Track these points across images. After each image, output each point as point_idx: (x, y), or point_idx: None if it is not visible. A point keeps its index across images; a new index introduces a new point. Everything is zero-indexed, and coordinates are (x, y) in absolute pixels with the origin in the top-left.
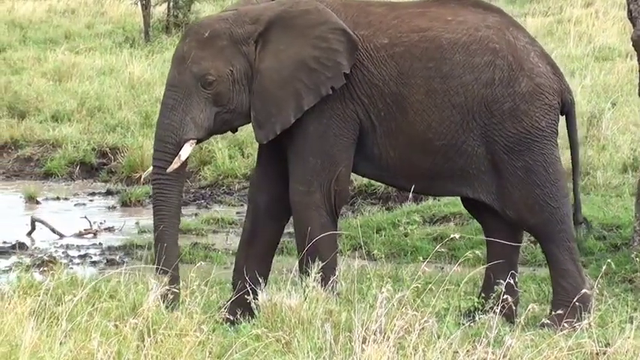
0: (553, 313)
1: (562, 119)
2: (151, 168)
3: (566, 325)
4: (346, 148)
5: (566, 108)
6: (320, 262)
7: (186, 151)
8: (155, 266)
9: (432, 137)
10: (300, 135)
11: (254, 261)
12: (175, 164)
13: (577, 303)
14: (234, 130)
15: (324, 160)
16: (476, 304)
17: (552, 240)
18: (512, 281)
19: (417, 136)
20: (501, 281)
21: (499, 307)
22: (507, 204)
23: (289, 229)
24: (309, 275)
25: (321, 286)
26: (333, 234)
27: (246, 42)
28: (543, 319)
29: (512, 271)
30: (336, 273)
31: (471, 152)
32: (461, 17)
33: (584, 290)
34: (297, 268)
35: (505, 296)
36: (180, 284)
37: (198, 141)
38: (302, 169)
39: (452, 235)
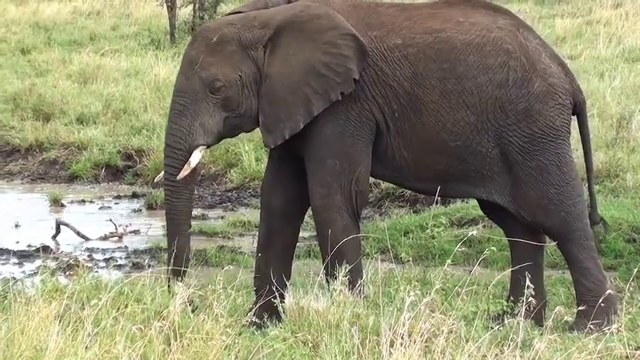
0: (580, 313)
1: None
2: (162, 172)
3: (593, 327)
4: (364, 148)
5: (578, 108)
6: (346, 265)
7: (196, 157)
8: (167, 268)
9: (447, 138)
10: (316, 137)
11: (275, 264)
12: (185, 171)
13: (602, 304)
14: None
15: (342, 162)
16: (504, 307)
17: (570, 239)
18: (539, 284)
19: (431, 137)
20: (529, 284)
21: (524, 310)
22: (522, 205)
23: (315, 231)
24: (336, 278)
25: (348, 289)
26: (356, 236)
27: (254, 47)
28: (566, 317)
29: (539, 274)
30: (363, 275)
31: (485, 153)
32: (472, 19)
33: (608, 291)
34: (323, 271)
35: (530, 299)
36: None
37: (208, 146)
38: (321, 171)
39: (476, 236)
